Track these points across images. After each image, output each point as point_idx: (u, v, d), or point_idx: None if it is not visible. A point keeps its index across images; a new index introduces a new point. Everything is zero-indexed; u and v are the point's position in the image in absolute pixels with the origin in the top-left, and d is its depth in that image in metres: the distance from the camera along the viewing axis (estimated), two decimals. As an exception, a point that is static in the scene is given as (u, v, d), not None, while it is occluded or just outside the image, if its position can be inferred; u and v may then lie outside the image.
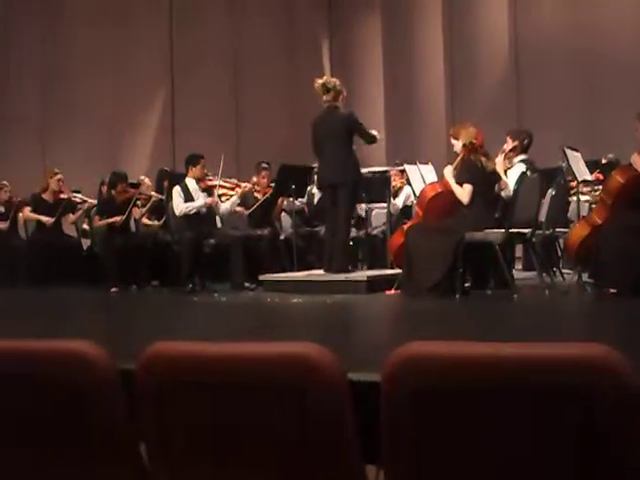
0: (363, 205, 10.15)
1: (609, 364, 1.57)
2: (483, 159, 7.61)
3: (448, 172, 7.66)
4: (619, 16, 13.90)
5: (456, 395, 1.70)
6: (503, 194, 7.65)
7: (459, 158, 7.65)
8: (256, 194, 10.29)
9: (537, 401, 1.63)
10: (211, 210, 9.58)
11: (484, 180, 7.58)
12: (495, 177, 7.68)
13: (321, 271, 8.45)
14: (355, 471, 1.86)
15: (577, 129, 12.99)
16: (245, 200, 10.13)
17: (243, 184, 9.97)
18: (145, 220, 10.74)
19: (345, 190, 8.26)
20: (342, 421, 1.82)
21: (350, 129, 8.36)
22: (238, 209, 10.08)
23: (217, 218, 10.02)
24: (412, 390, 1.72)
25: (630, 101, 12.22)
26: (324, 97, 8.44)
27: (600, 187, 8.48)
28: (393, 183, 10.61)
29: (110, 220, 10.13)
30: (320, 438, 1.82)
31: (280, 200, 10.52)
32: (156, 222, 10.60)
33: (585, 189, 9.46)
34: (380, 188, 9.74)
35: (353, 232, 10.20)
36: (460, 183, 7.53)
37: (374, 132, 8.71)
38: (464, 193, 7.48)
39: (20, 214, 11.24)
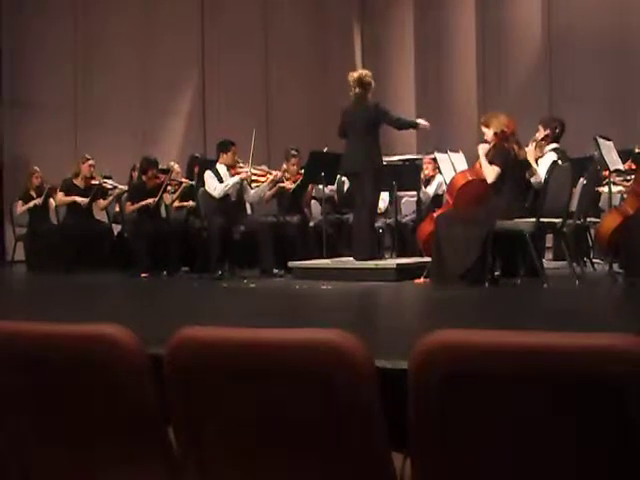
0: (388, 194, 10.12)
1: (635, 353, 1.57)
2: (515, 147, 7.56)
3: (482, 150, 7.61)
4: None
5: (484, 383, 1.70)
6: (534, 182, 7.60)
7: (491, 145, 7.61)
8: (286, 181, 10.29)
9: (566, 390, 1.63)
10: (241, 197, 9.59)
11: (515, 168, 7.53)
12: (526, 165, 7.63)
13: (350, 258, 8.46)
14: (382, 458, 1.87)
15: (610, 118, 12.88)
16: (275, 187, 10.15)
17: (274, 172, 9.98)
18: (177, 203, 10.76)
19: (367, 177, 8.27)
20: (369, 408, 1.83)
21: (376, 120, 8.38)
22: (267, 199, 10.11)
23: (247, 205, 10.04)
24: (440, 378, 1.72)
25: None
26: (356, 89, 8.46)
27: (632, 177, 8.41)
28: (426, 171, 10.59)
29: (143, 203, 10.15)
30: (348, 425, 1.83)
31: (310, 187, 10.52)
32: (190, 202, 10.59)
33: (617, 178, 9.38)
34: (411, 176, 9.72)
35: (382, 220, 10.20)
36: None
37: (419, 120, 8.73)
38: (492, 173, 7.44)
39: (51, 199, 11.31)
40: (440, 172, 9.86)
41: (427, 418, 1.77)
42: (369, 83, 8.46)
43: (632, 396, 1.56)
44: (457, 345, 1.73)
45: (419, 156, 10.41)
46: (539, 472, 1.71)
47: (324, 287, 7.38)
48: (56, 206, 11.33)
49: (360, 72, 8.72)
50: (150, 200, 10.10)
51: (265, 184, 9.73)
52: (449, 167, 8.84)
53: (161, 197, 10.27)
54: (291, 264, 8.64)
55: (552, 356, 1.64)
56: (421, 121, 8.76)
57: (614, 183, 9.08)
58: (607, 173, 8.74)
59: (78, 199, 10.88)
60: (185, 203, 10.71)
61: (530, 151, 7.70)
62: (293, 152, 10.50)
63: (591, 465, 1.66)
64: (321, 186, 9.84)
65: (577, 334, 1.67)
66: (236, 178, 9.36)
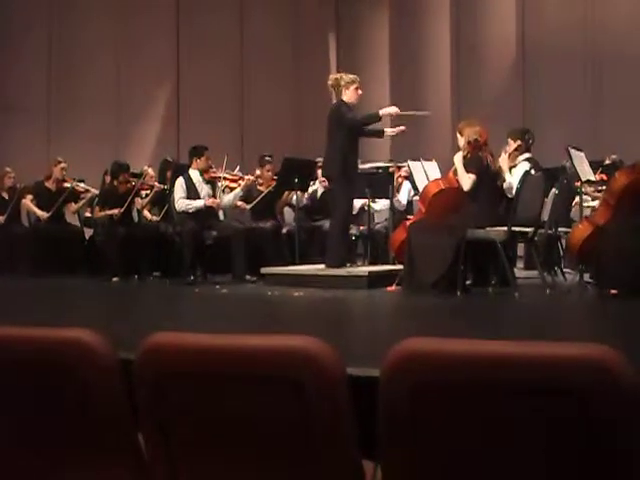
0: (364, 200, 10.13)
1: (607, 364, 1.58)
2: (488, 156, 7.61)
3: (458, 158, 7.64)
4: (626, 15, 13.89)
5: (454, 392, 1.70)
6: (506, 191, 7.65)
7: (465, 153, 7.65)
8: (259, 187, 10.29)
9: (535, 399, 1.63)
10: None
11: (488, 177, 7.58)
12: (499, 175, 7.68)
13: (323, 265, 8.46)
14: (353, 466, 1.87)
15: (582, 129, 12.99)
16: (248, 193, 10.13)
17: (247, 177, 9.97)
18: (146, 213, 10.73)
19: (337, 183, 8.26)
20: (340, 415, 1.82)
21: (338, 122, 8.24)
22: (239, 204, 10.07)
23: (219, 210, 10.01)
24: (411, 386, 1.72)
25: (636, 102, 12.23)
26: (334, 92, 8.44)
27: (603, 187, 8.47)
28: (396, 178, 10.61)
29: (108, 212, 10.13)
30: (318, 431, 1.82)
31: (286, 194, 10.51)
32: (154, 217, 10.57)
33: (588, 189, 9.45)
34: (383, 184, 9.74)
35: (355, 228, 10.20)
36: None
37: (387, 129, 8.66)
38: (467, 180, 7.47)
39: (23, 201, 11.24)
40: (407, 179, 9.89)
41: (397, 426, 1.77)
42: (336, 85, 8.40)
43: (599, 406, 1.57)
44: (428, 353, 1.73)
45: (392, 164, 10.42)
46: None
47: (296, 294, 7.38)
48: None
49: (332, 75, 8.75)
50: (115, 210, 10.06)
51: (238, 189, 9.71)
52: (422, 175, 8.86)
53: (131, 202, 10.23)
54: (264, 270, 8.63)
55: (522, 365, 1.65)
56: (388, 130, 8.71)
57: (585, 193, 9.14)
58: (579, 183, 8.80)
59: (39, 212, 10.86)
60: (151, 217, 10.64)
61: (504, 160, 7.76)
62: (267, 158, 10.49)
63: (556, 472, 1.67)
64: (298, 193, 9.84)
65: (547, 343, 1.67)
66: (201, 202, 9.29)
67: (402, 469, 1.80)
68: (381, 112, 8.32)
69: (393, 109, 8.49)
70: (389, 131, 8.69)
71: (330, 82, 8.48)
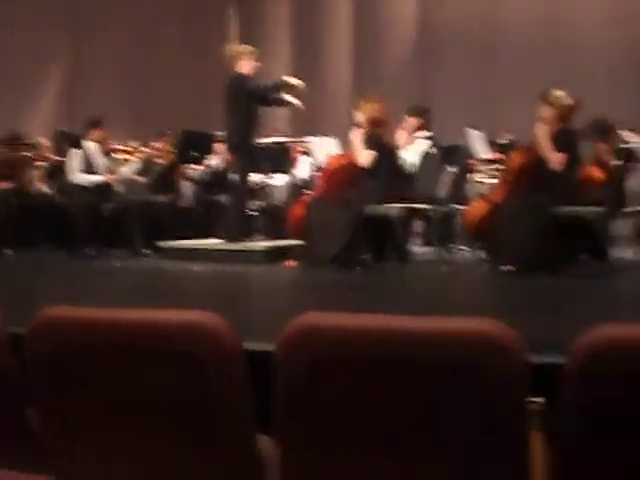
0: (262, 175, 10.09)
1: (497, 339, 1.61)
2: (387, 133, 7.67)
3: (357, 134, 7.67)
4: (516, 3, 14.14)
5: (351, 366, 1.71)
6: (404, 168, 7.73)
7: (364, 130, 7.68)
8: (158, 160, 10.16)
9: (430, 373, 1.65)
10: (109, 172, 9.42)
11: (386, 154, 7.64)
12: (397, 152, 7.75)
13: (221, 240, 8.41)
14: (248, 440, 1.87)
15: (478, 109, 13.16)
16: (146, 166, 10.00)
17: (145, 149, 9.84)
18: (40, 184, 10.48)
19: (236, 156, 8.22)
20: (235, 389, 1.82)
21: (235, 94, 8.17)
22: (137, 178, 9.94)
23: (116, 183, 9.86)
24: (308, 361, 1.72)
25: (529, 83, 12.46)
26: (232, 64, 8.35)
27: (499, 166, 8.63)
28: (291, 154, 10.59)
29: (2, 185, 9.87)
30: (213, 405, 1.82)
31: (183, 167, 10.40)
32: (47, 190, 10.33)
33: (484, 168, 9.61)
34: (281, 159, 9.73)
35: (254, 203, 10.16)
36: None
37: (290, 98, 8.49)
38: (366, 156, 7.51)
39: None
40: (306, 154, 9.90)
41: (293, 401, 1.78)
42: (234, 57, 8.31)
43: (491, 379, 1.60)
44: (324, 328, 1.73)
45: (291, 139, 10.40)
46: (404, 454, 1.73)
47: (194, 268, 7.33)
48: None
49: (230, 46, 8.70)
50: (9, 182, 9.79)
51: (136, 162, 9.58)
52: (321, 151, 8.87)
53: (24, 173, 9.98)
54: (161, 244, 8.54)
55: (416, 339, 1.67)
56: (291, 99, 8.56)
57: (481, 172, 9.29)
58: (475, 162, 8.94)
59: None
60: (45, 191, 10.40)
61: (401, 137, 7.83)
62: (166, 131, 10.36)
63: (453, 444, 1.70)
64: (196, 166, 9.75)
65: (442, 318, 1.70)
66: (98, 177, 9.13)
67: (298, 443, 1.81)
68: (285, 77, 8.30)
69: (297, 80, 8.42)
70: (291, 99, 8.53)
71: (228, 53, 8.40)
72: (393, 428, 1.72)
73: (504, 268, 6.89)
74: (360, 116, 7.73)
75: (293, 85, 8.35)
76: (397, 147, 7.79)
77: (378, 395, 1.71)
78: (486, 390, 1.61)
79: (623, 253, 7.51)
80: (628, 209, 7.59)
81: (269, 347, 1.98)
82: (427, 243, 9.45)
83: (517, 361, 1.61)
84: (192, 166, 9.95)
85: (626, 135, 7.43)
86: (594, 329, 1.61)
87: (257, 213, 10.43)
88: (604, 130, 8.09)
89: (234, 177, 8.31)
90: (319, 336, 1.73)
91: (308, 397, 1.76)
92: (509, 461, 1.66)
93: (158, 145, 10.28)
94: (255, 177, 9.61)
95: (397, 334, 1.69)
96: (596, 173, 7.99)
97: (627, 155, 7.24)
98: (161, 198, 9.66)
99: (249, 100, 8.10)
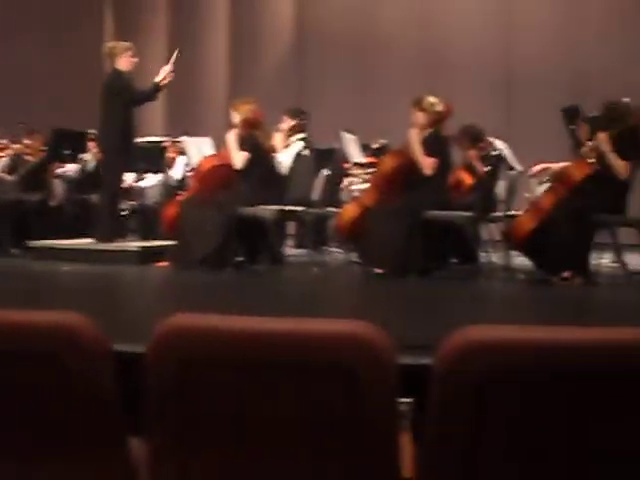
0: (135, 175, 9.97)
1: (368, 340, 1.62)
2: (261, 135, 7.68)
3: (231, 135, 7.65)
4: (396, 7, 14.33)
5: (222, 368, 1.70)
6: (278, 169, 7.76)
7: (238, 131, 7.68)
8: (27, 157, 9.92)
9: (297, 374, 1.66)
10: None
11: (261, 156, 7.65)
12: (272, 154, 7.77)
13: (93, 240, 8.27)
14: (117, 443, 1.84)
15: (353, 113, 13.28)
16: (15, 163, 9.75)
17: (15, 145, 9.60)
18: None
19: (107, 156, 8.11)
20: (103, 391, 1.79)
21: (112, 92, 8.07)
22: (5, 176, 9.68)
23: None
24: (177, 362, 1.71)
25: (404, 89, 12.66)
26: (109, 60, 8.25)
27: (372, 170, 8.74)
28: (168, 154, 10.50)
29: None
30: (82, 408, 1.79)
31: (54, 165, 10.19)
32: None
33: (358, 171, 9.71)
34: (155, 158, 9.63)
35: (126, 202, 10.03)
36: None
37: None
38: (240, 158, 7.51)
39: None
40: (182, 154, 9.84)
41: (163, 402, 1.76)
42: (111, 53, 8.21)
43: (362, 380, 1.62)
44: (193, 329, 1.72)
45: (166, 138, 10.30)
46: (275, 453, 1.73)
47: (64, 268, 7.18)
48: None
49: (107, 43, 8.59)
50: None
51: (6, 159, 9.34)
52: (196, 151, 8.82)
53: None
54: (31, 244, 8.34)
55: (286, 341, 1.68)
56: (159, 79, 8.40)
57: (355, 175, 9.39)
58: (349, 165, 9.02)
59: None
60: None
61: (277, 140, 7.86)
62: (34, 128, 10.13)
63: (323, 441, 1.71)
64: (67, 165, 9.57)
65: (313, 320, 1.71)
66: None
67: (168, 446, 1.79)
68: (157, 79, 8.21)
69: (165, 69, 8.32)
70: (160, 80, 8.37)
71: (105, 50, 8.29)
72: (262, 429, 1.72)
73: (375, 270, 6.99)
74: (235, 117, 7.73)
75: (165, 76, 8.25)
76: (272, 149, 7.81)
77: (248, 396, 1.71)
78: (357, 390, 1.63)
79: (492, 257, 7.70)
80: (496, 214, 7.79)
81: (139, 348, 1.96)
82: (300, 245, 9.51)
83: (387, 362, 1.63)
84: (64, 164, 9.74)
85: (496, 142, 7.62)
86: (460, 330, 1.65)
87: (130, 213, 10.30)
88: (474, 136, 8.29)
89: (107, 176, 8.17)
90: (189, 337, 1.71)
91: (177, 398, 1.74)
92: (379, 460, 1.69)
93: (28, 142, 10.04)
94: (128, 176, 9.49)
95: (267, 336, 1.69)
96: (465, 178, 8.19)
97: (496, 161, 7.43)
98: (31, 196, 9.44)
99: (126, 98, 8.01)
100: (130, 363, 1.98)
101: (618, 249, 7.41)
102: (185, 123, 11.95)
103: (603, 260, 7.56)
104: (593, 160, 6.68)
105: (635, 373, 1.62)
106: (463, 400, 1.63)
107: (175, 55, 8.42)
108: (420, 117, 7.34)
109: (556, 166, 7.11)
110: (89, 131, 9.54)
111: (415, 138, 7.26)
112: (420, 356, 2.35)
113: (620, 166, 6.58)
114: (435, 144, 7.27)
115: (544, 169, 7.20)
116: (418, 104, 7.38)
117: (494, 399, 1.63)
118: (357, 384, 1.62)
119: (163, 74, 8.19)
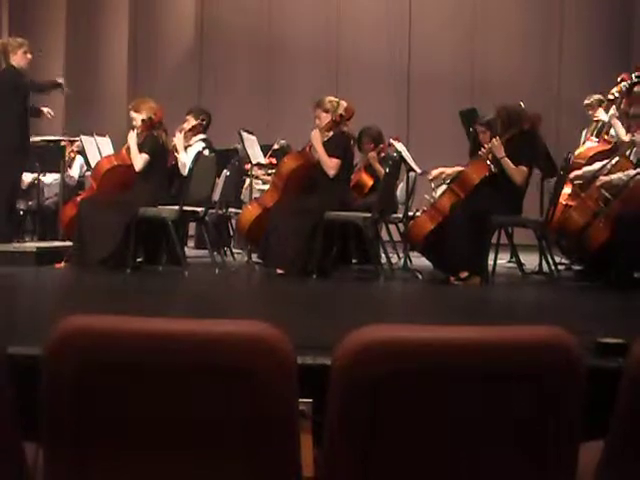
0: (33, 175, 9.78)
1: (267, 340, 1.63)
2: (163, 135, 7.63)
3: (132, 136, 7.57)
4: (294, 10, 14.38)
5: (117, 370, 1.69)
6: (180, 169, 7.71)
7: (138, 131, 7.61)
8: None
9: (196, 375, 1.66)
10: None
11: (162, 156, 7.61)
12: (173, 154, 7.73)
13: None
14: (10, 448, 1.81)
15: (253, 114, 13.28)
16: None
17: None
18: None
19: (3, 155, 7.94)
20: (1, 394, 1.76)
21: (7, 90, 7.88)
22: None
23: None
24: (74, 365, 1.68)
25: (304, 90, 12.73)
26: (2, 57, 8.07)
27: (272, 171, 8.76)
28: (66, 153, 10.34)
29: None
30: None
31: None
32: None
33: (259, 172, 9.73)
34: (54, 158, 9.46)
35: (23, 203, 9.85)
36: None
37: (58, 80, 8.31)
38: (140, 160, 7.44)
39: None
40: (80, 154, 9.70)
41: (60, 407, 1.73)
42: (3, 50, 8.06)
43: (262, 381, 1.63)
44: (90, 331, 1.70)
45: (64, 138, 10.14)
46: (178, 459, 1.73)
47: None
48: None
49: (1, 40, 8.42)
50: None
51: None
52: (95, 151, 8.70)
53: None
54: None
55: (185, 343, 1.67)
56: (45, 109, 8.37)
57: (255, 176, 9.41)
58: (249, 166, 9.03)
59: None
60: None
61: (179, 139, 7.82)
62: None
63: (223, 442, 1.70)
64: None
65: (213, 321, 1.71)
66: None
67: (64, 451, 1.76)
68: (60, 79, 8.12)
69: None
70: (46, 110, 8.38)
71: (10, 45, 8.12)
72: (160, 432, 1.71)
73: (276, 271, 7.01)
74: (135, 117, 7.66)
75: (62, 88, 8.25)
76: (174, 148, 7.77)
77: (146, 399, 1.70)
78: (257, 391, 1.63)
79: (391, 257, 7.79)
80: (396, 215, 7.88)
81: (35, 351, 1.93)
82: (201, 246, 9.47)
83: (287, 362, 1.64)
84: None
85: (395, 144, 7.71)
86: (357, 330, 1.66)
87: (27, 213, 10.11)
88: (374, 138, 8.38)
89: (3, 175, 7.99)
90: (86, 339, 1.69)
91: (74, 402, 1.72)
92: (281, 460, 1.69)
93: None
94: (26, 176, 9.31)
95: (166, 337, 1.68)
96: (366, 179, 8.28)
97: (397, 163, 7.52)
98: None
99: (23, 95, 7.88)
100: (26, 366, 1.95)
101: (514, 249, 7.59)
102: (84, 122, 11.79)
103: (500, 261, 7.73)
104: (490, 163, 6.81)
105: (524, 372, 1.66)
106: (359, 399, 1.64)
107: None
108: (323, 118, 7.38)
109: (452, 170, 7.23)
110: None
111: (318, 139, 7.30)
112: (319, 356, 2.37)
113: (515, 171, 6.73)
114: (338, 145, 7.33)
115: (441, 173, 7.32)
116: (321, 105, 7.43)
117: (389, 398, 1.65)
118: (257, 385, 1.62)
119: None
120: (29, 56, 8.08)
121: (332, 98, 7.51)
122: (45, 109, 8.39)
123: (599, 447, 1.83)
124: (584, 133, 8.48)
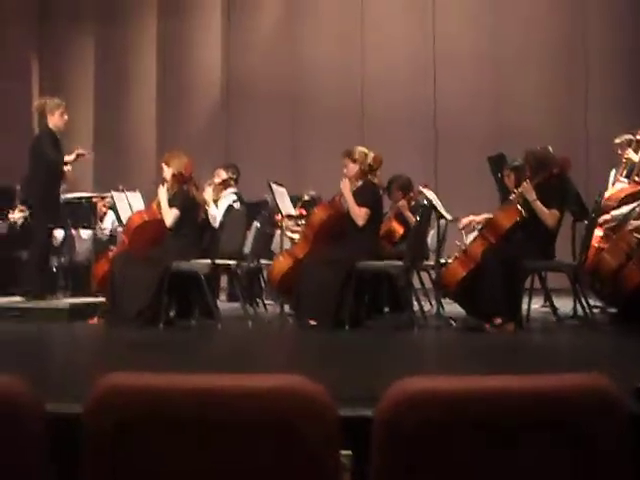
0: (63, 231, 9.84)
1: (307, 394, 1.62)
2: (193, 189, 7.68)
3: (162, 191, 7.63)
4: (319, 64, 14.48)
5: (157, 427, 1.68)
6: (211, 222, 7.75)
7: (169, 185, 7.66)
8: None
9: (240, 432, 1.65)
10: None
11: (193, 210, 7.65)
12: (203, 207, 7.78)
13: (21, 297, 8.13)
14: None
15: (282, 166, 13.35)
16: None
17: None
18: None
19: (34, 212, 8.03)
20: (34, 454, 1.75)
21: (36, 153, 8.05)
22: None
23: None
24: (114, 422, 1.68)
25: (330, 141, 12.79)
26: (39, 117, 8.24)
27: (303, 222, 8.78)
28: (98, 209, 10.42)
29: None
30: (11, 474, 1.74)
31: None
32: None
33: (289, 223, 9.75)
34: (85, 213, 9.54)
35: (55, 259, 9.90)
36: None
37: (78, 151, 8.40)
38: (171, 215, 7.49)
39: None
40: (111, 209, 9.78)
41: (101, 464, 1.72)
42: (41, 110, 8.19)
43: (304, 435, 1.61)
44: (131, 389, 1.70)
45: (95, 194, 10.22)
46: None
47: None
48: None
49: (37, 101, 8.54)
50: None
51: None
52: (126, 206, 8.77)
53: None
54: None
55: (226, 398, 1.66)
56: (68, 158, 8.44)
57: (286, 228, 9.42)
58: (279, 217, 9.05)
59: None
60: None
61: (208, 193, 7.87)
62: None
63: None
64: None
65: (249, 376, 1.70)
66: None
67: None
68: (66, 158, 8.18)
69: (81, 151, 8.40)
70: (67, 158, 8.40)
71: (35, 107, 8.26)
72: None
73: (309, 322, 6.99)
74: (167, 171, 7.72)
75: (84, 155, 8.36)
76: (204, 202, 7.81)
77: (186, 456, 1.69)
78: (300, 446, 1.62)
79: (424, 305, 7.75)
80: (428, 262, 7.86)
81: (75, 409, 1.92)
82: (233, 299, 9.47)
83: (327, 415, 1.63)
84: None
85: (425, 192, 7.71)
86: (399, 382, 1.65)
87: (59, 269, 10.16)
88: (403, 186, 8.39)
89: (36, 232, 8.08)
90: (125, 397, 1.69)
91: (115, 459, 1.71)
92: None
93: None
94: (57, 232, 9.39)
95: (205, 393, 1.67)
96: (396, 228, 8.27)
97: (426, 211, 7.52)
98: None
99: (48, 161, 7.98)
100: (66, 425, 1.94)
101: (548, 294, 7.54)
102: (113, 178, 11.88)
103: (534, 306, 7.67)
104: (520, 208, 6.79)
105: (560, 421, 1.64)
106: (402, 451, 1.62)
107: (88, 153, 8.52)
108: (352, 168, 7.41)
109: (481, 218, 7.21)
110: (18, 187, 9.44)
111: (348, 188, 7.33)
112: (358, 408, 2.35)
113: (546, 214, 6.70)
114: (367, 194, 7.35)
115: (471, 221, 7.31)
116: (350, 155, 7.46)
117: (433, 450, 1.63)
118: (297, 439, 1.61)
119: (73, 157, 8.21)
120: (65, 117, 8.18)
121: (362, 148, 7.54)
122: (66, 168, 8.33)
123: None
124: (612, 173, 8.44)
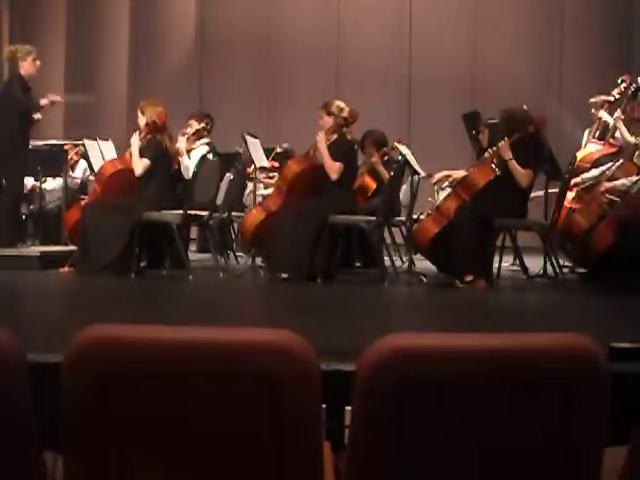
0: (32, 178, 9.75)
1: (293, 348, 1.62)
2: (166, 139, 7.62)
3: (134, 140, 7.58)
4: (294, 13, 14.36)
5: (142, 379, 1.68)
6: (183, 173, 7.70)
7: (142, 134, 7.61)
8: None
9: (221, 384, 1.65)
10: None
11: (165, 160, 7.60)
12: (176, 158, 7.72)
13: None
14: (32, 457, 1.80)
15: (256, 117, 13.28)
16: None
17: None
18: None
19: (3, 161, 7.94)
20: (17, 404, 1.74)
21: (5, 99, 7.96)
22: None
23: None
24: (96, 374, 1.67)
25: (304, 94, 12.74)
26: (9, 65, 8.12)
27: (275, 174, 8.76)
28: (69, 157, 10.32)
29: None
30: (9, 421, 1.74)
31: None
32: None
33: (261, 176, 9.72)
34: (56, 162, 9.44)
35: (25, 207, 9.83)
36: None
37: (50, 98, 8.29)
38: (140, 165, 7.45)
39: None
40: (83, 157, 9.70)
41: (80, 415, 1.72)
42: (12, 58, 8.08)
43: (288, 388, 1.62)
44: (111, 340, 1.69)
45: (67, 142, 10.11)
46: (203, 467, 1.72)
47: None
48: None
49: (7, 47, 8.41)
50: None
51: None
52: (98, 155, 8.69)
53: None
54: None
55: (207, 350, 1.66)
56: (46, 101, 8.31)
57: (258, 180, 9.39)
58: (252, 169, 9.01)
59: None
60: None
61: (182, 143, 7.81)
62: None
63: (248, 451, 1.70)
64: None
65: (235, 329, 1.70)
66: None
67: (85, 460, 1.75)
68: (41, 102, 8.08)
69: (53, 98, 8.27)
70: (42, 102, 8.29)
71: (5, 55, 8.13)
72: (186, 441, 1.70)
73: (281, 275, 7.00)
74: (141, 119, 7.65)
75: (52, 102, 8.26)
76: (178, 153, 7.75)
77: (170, 408, 1.69)
78: (282, 398, 1.62)
79: (395, 261, 7.79)
80: (400, 218, 7.87)
81: (55, 358, 1.91)
82: (204, 249, 9.45)
83: (312, 370, 1.63)
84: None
85: (400, 146, 7.69)
86: (382, 339, 1.65)
87: (29, 217, 10.09)
88: (378, 141, 8.37)
89: (7, 180, 8.00)
90: (109, 349, 1.68)
91: (96, 411, 1.71)
92: (305, 468, 1.68)
93: None
94: (27, 180, 9.30)
95: (187, 345, 1.67)
96: (369, 183, 8.27)
97: (401, 165, 7.51)
98: None
99: (19, 108, 7.89)
100: (46, 374, 1.94)
101: (519, 252, 7.59)
102: (85, 127, 11.77)
103: (504, 264, 7.72)
104: (495, 167, 6.80)
105: (550, 379, 1.66)
106: (386, 406, 1.64)
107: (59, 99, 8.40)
108: (327, 120, 7.39)
109: (457, 174, 7.21)
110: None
111: (323, 142, 7.30)
112: (339, 363, 2.36)
113: (521, 174, 6.71)
114: (341, 149, 7.33)
115: (445, 176, 7.30)
116: (326, 108, 7.42)
117: (416, 405, 1.65)
118: (283, 392, 1.61)
119: (46, 101, 8.10)
120: (38, 63, 8.08)
121: (339, 102, 7.51)
122: (36, 115, 8.24)
123: (622, 453, 1.83)
124: (586, 134, 8.47)
